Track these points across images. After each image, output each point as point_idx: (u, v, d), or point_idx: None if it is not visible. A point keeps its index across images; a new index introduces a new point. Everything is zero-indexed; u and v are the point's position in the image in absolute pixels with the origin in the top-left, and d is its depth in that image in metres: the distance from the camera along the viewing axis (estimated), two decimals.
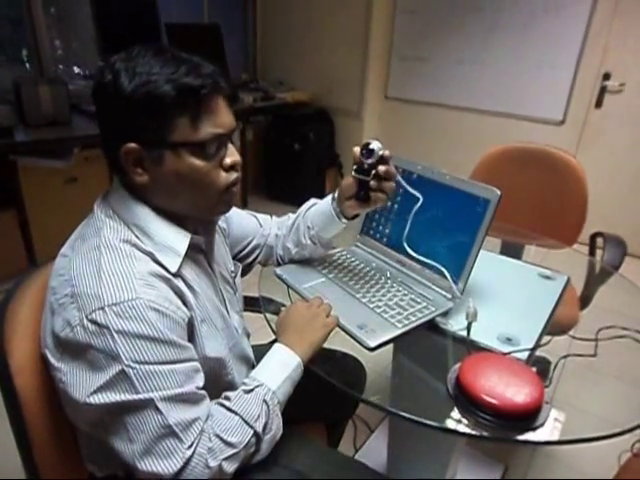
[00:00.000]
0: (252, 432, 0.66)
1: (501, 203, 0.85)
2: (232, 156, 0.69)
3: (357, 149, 0.88)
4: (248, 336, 0.93)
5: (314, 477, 0.83)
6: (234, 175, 0.71)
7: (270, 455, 0.74)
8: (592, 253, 1.53)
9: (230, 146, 0.70)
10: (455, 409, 0.72)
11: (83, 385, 0.60)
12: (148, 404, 0.59)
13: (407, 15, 3.20)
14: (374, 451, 1.47)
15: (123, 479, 0.75)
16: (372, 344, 0.80)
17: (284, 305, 0.94)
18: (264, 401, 0.69)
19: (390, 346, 0.83)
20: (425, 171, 0.98)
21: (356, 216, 0.97)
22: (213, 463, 0.62)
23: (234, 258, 0.95)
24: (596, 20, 2.63)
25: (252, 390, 0.69)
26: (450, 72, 3.14)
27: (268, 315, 0.93)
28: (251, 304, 0.98)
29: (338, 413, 1.16)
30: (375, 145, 0.86)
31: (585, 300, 1.16)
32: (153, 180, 0.66)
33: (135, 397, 0.58)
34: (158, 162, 0.65)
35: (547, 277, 1.10)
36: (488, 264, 1.07)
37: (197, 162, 0.66)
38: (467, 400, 0.70)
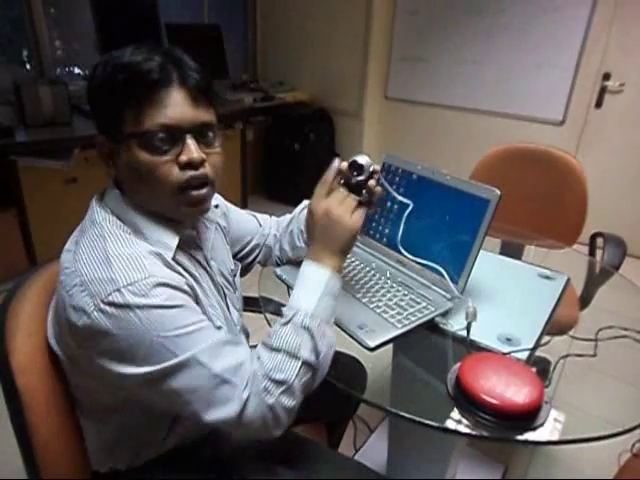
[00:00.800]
0: (299, 362, 0.65)
1: (501, 203, 0.85)
2: (188, 153, 0.64)
3: (345, 165, 0.82)
4: (247, 335, 0.93)
5: (314, 477, 0.83)
6: (190, 173, 0.65)
7: (270, 455, 0.74)
8: (592, 253, 1.53)
9: (191, 143, 0.65)
10: (455, 409, 0.72)
11: (122, 363, 0.60)
12: (191, 361, 0.60)
13: (407, 15, 3.20)
14: (374, 451, 1.47)
15: (124, 473, 0.76)
16: (372, 344, 0.80)
17: (284, 305, 0.94)
18: (304, 327, 0.67)
19: (390, 346, 0.83)
20: (425, 171, 0.98)
21: None
22: (271, 400, 0.62)
23: (234, 257, 0.96)
24: (596, 20, 2.63)
25: (289, 321, 0.67)
26: (450, 72, 3.15)
27: (268, 315, 0.93)
28: (251, 304, 0.98)
29: (338, 413, 1.16)
30: (364, 160, 0.81)
31: (585, 300, 1.16)
32: (119, 174, 0.67)
33: (176, 360, 0.59)
34: (117, 155, 0.66)
35: (547, 277, 1.10)
36: (488, 264, 1.07)
37: (143, 155, 0.63)
38: (467, 400, 0.70)
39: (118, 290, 0.59)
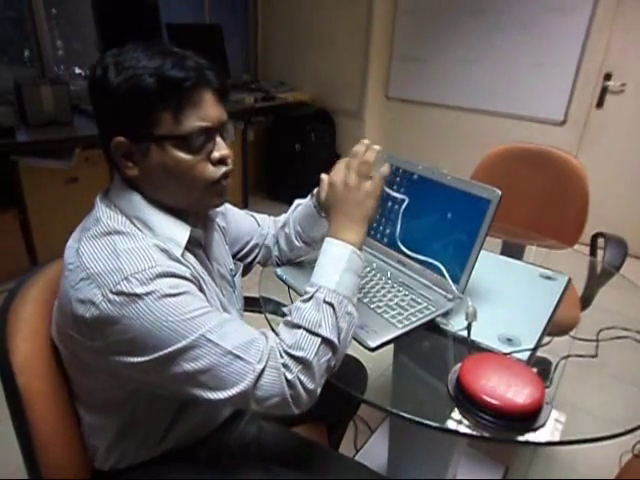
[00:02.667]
0: (319, 339, 0.65)
1: (502, 203, 0.85)
2: (220, 150, 0.69)
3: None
4: None
5: (314, 477, 0.83)
6: (222, 169, 0.70)
7: (270, 455, 0.74)
8: (593, 253, 1.53)
9: (219, 140, 0.69)
10: (456, 409, 0.72)
11: (134, 352, 0.61)
12: (201, 341, 0.61)
13: (408, 15, 3.20)
14: (375, 452, 1.47)
15: (125, 472, 0.76)
16: (373, 344, 0.80)
17: (284, 305, 0.94)
18: (326, 303, 0.67)
19: (391, 346, 0.83)
20: (426, 171, 0.98)
21: None
22: (290, 376, 0.63)
23: (233, 257, 0.96)
24: (597, 20, 2.63)
25: (311, 297, 0.68)
26: (451, 72, 3.14)
27: (268, 315, 0.93)
28: (251, 304, 0.98)
29: (339, 414, 1.16)
30: None
31: (586, 301, 1.16)
32: (143, 173, 0.68)
33: (186, 342, 0.60)
34: (145, 155, 0.66)
35: (548, 277, 1.10)
36: (489, 264, 1.07)
37: (182, 155, 0.66)
38: (468, 400, 0.70)
39: (126, 278, 0.59)
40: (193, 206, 0.73)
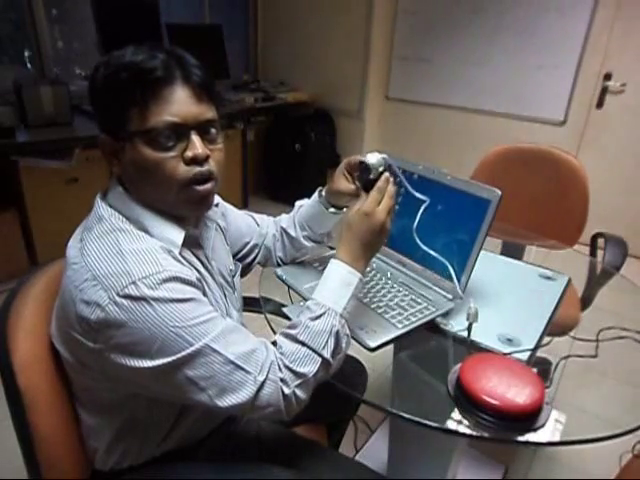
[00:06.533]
0: (320, 359, 0.67)
1: (502, 203, 0.84)
2: (193, 149, 0.65)
3: (357, 159, 0.85)
4: None
5: (314, 477, 0.83)
6: (196, 169, 0.66)
7: (270, 455, 0.74)
8: (593, 254, 1.53)
9: (195, 139, 0.66)
10: (456, 410, 0.72)
11: (136, 357, 0.60)
12: (205, 349, 0.61)
13: (408, 15, 3.20)
14: (375, 452, 1.47)
15: (125, 472, 0.76)
16: (372, 344, 0.80)
17: (284, 305, 0.94)
18: (332, 327, 0.69)
19: (391, 347, 0.83)
20: (426, 171, 0.98)
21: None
22: (287, 390, 0.65)
23: (233, 258, 0.96)
24: (597, 21, 2.63)
25: (319, 317, 0.69)
26: (451, 73, 3.14)
27: (268, 315, 0.93)
28: (251, 304, 0.98)
29: (339, 414, 1.16)
30: (374, 159, 0.82)
31: (586, 301, 1.16)
32: (123, 172, 0.68)
33: (191, 349, 0.60)
34: (123, 152, 0.66)
35: (548, 278, 1.10)
36: (489, 265, 1.07)
37: (149, 152, 0.64)
38: (468, 401, 0.70)
39: (134, 283, 0.59)
40: (171, 209, 0.70)
